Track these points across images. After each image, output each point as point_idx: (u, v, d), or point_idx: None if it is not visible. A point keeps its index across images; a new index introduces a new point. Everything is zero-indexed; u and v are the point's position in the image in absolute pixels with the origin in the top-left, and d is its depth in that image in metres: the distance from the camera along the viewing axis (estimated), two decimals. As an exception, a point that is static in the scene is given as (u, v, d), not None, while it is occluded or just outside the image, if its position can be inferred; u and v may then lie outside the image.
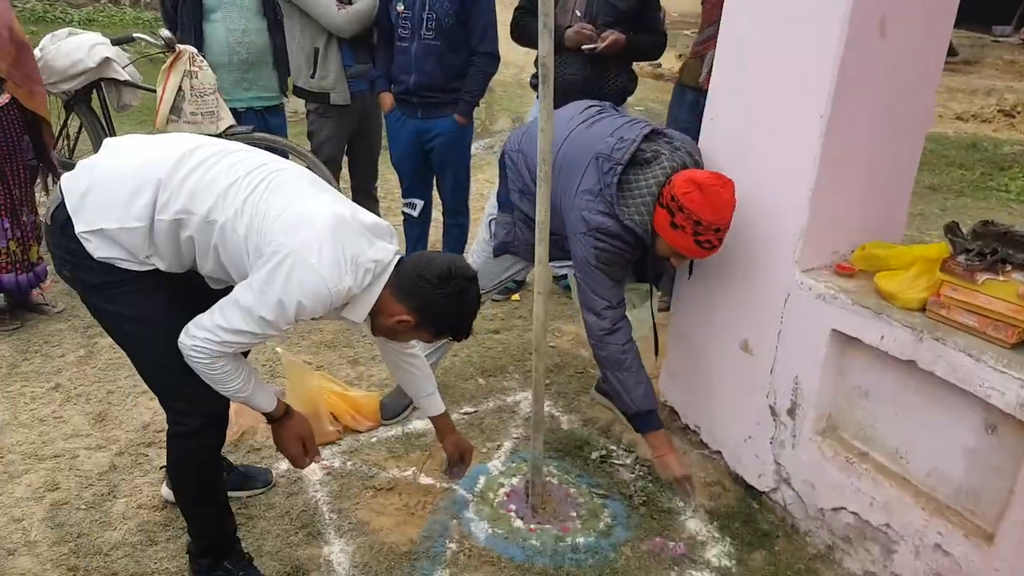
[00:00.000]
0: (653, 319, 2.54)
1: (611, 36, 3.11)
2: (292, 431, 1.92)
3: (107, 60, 3.56)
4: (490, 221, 2.69)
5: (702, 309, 2.56)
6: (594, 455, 2.61)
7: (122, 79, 3.68)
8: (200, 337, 1.65)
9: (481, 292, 2.60)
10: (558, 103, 3.14)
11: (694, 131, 2.51)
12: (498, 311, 3.62)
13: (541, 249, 2.07)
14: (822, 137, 2.00)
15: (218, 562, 1.95)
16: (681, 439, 2.69)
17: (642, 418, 2.37)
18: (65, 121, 3.90)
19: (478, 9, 3.20)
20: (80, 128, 3.96)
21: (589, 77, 3.20)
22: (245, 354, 2.14)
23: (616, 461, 2.59)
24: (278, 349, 2.95)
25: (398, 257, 1.80)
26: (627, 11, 3.21)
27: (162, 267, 1.73)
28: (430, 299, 1.76)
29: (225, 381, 1.72)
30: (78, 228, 1.66)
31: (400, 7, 3.18)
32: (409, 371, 2.15)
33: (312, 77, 3.48)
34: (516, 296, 3.79)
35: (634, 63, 3.44)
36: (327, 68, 3.45)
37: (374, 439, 2.64)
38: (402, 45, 3.23)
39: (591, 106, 2.50)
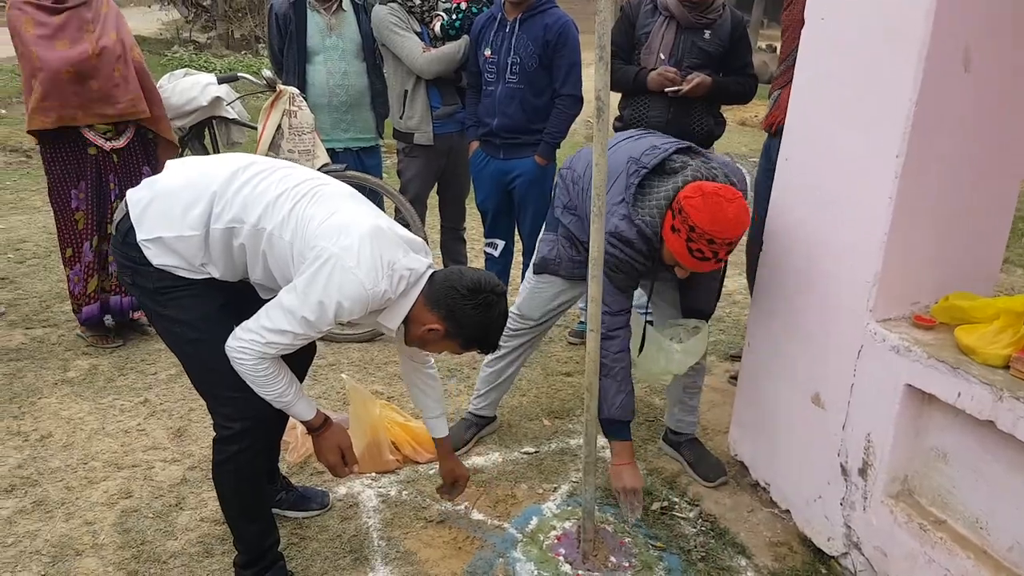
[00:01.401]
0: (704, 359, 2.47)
1: (696, 79, 3.07)
2: (331, 440, 2.00)
3: (218, 99, 3.85)
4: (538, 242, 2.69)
5: (773, 358, 2.44)
6: (655, 506, 2.51)
7: (231, 117, 3.97)
8: (246, 339, 1.76)
9: (532, 324, 2.71)
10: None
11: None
12: (573, 354, 3.58)
13: (595, 287, 2.04)
14: (898, 178, 1.88)
15: (260, 575, 1.99)
16: (751, 496, 2.55)
17: (614, 425, 2.35)
18: (180, 156, 4.23)
19: (563, 52, 3.25)
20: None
21: (672, 120, 3.16)
22: (301, 374, 2.24)
23: (678, 514, 2.48)
24: (343, 376, 3.04)
25: (432, 270, 1.92)
26: (715, 54, 3.16)
27: (216, 275, 1.85)
28: (459, 309, 1.85)
29: (268, 384, 1.81)
30: (139, 236, 1.80)
31: (487, 52, 3.28)
32: (423, 390, 2.26)
33: (401, 117, 3.63)
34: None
35: (723, 107, 3.38)
36: (414, 109, 3.58)
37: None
38: (488, 89, 3.32)
39: (648, 133, 2.48)
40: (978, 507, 1.81)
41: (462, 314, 1.86)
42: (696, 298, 2.47)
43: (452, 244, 4.08)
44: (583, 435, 2.18)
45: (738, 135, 9.51)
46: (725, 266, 2.41)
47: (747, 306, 4.10)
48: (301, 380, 2.27)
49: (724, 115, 3.41)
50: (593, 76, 1.97)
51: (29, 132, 3.15)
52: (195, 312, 1.85)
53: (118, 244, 1.88)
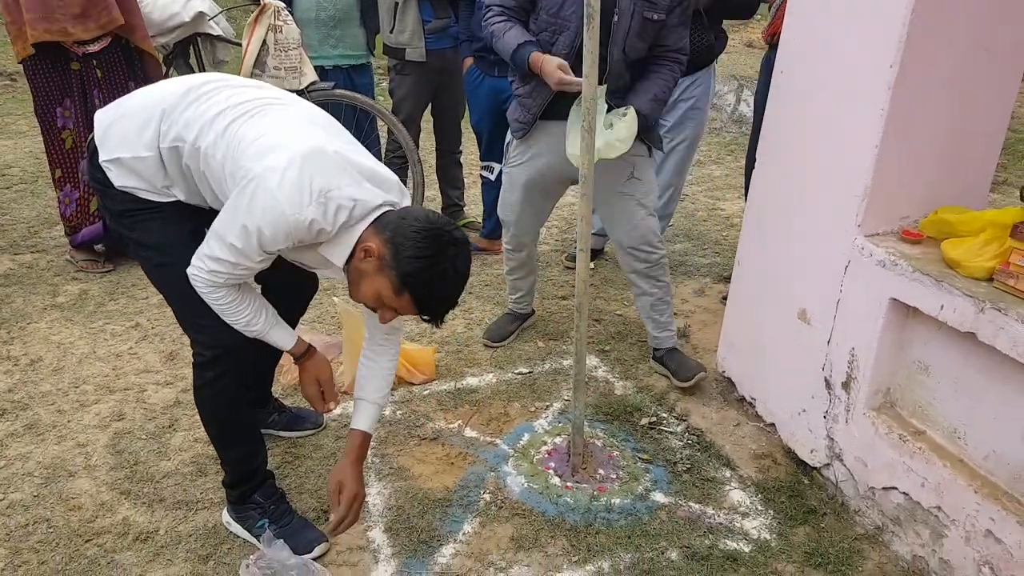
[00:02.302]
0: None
1: None
2: (311, 372, 1.92)
3: (201, 14, 3.70)
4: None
5: (762, 275, 2.44)
6: (644, 421, 2.55)
7: (215, 34, 3.84)
8: (195, 266, 1.69)
9: (513, 232, 2.76)
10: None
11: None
12: (569, 277, 3.58)
13: (584, 205, 2.02)
14: (890, 89, 1.83)
15: (248, 494, 2.01)
16: (738, 411, 2.60)
17: (518, 53, 2.37)
18: (166, 75, 4.12)
19: None
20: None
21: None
22: (296, 304, 2.20)
23: (665, 428, 2.52)
24: (335, 299, 3.04)
25: (387, 207, 1.67)
26: (717, -33, 3.04)
27: (182, 198, 1.78)
28: (403, 234, 1.58)
29: (230, 312, 1.74)
30: (101, 157, 1.75)
31: (482, -38, 3.15)
32: (371, 357, 1.96)
33: (391, 32, 3.50)
34: (591, 264, 3.74)
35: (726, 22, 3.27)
36: (405, 23, 3.45)
37: (426, 392, 2.69)
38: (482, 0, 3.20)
39: None
40: (957, 418, 1.84)
41: (403, 240, 1.58)
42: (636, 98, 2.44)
43: (449, 168, 3.98)
44: (574, 352, 2.19)
45: (745, 56, 9.27)
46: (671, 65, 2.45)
47: (743, 228, 4.10)
48: (299, 310, 2.24)
49: (727, 32, 3.30)
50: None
51: (20, 61, 3.06)
52: (162, 236, 1.79)
53: (87, 165, 1.83)
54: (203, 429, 2.36)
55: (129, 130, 1.73)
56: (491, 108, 3.38)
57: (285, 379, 2.69)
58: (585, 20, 1.90)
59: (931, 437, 1.90)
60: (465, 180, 4.13)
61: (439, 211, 4.14)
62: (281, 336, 1.86)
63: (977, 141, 2.05)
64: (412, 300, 1.64)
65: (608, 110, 2.39)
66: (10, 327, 2.99)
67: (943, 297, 1.74)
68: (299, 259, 1.76)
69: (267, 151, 1.58)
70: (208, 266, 1.66)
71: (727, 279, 3.50)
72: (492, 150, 3.53)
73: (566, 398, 2.67)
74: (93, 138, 1.79)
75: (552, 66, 2.30)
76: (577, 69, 2.19)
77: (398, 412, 2.57)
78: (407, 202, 1.74)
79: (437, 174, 4.03)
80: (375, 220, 1.64)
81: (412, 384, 2.72)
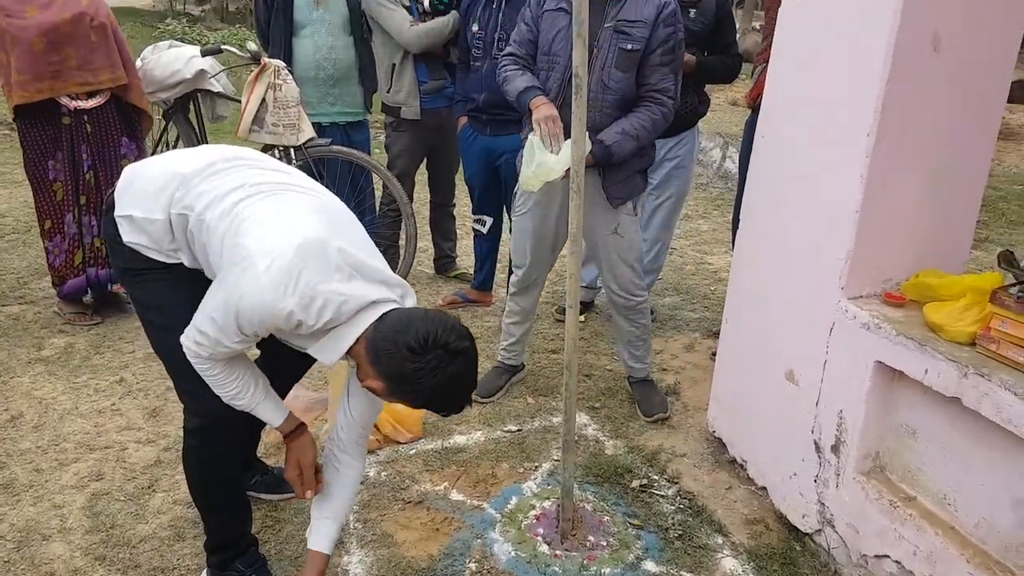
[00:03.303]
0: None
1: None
2: (293, 454, 1.85)
3: (202, 72, 3.78)
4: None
5: (749, 335, 2.44)
6: (635, 483, 2.51)
7: (215, 90, 3.91)
8: (186, 334, 1.67)
9: (526, 268, 2.82)
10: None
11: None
12: (559, 331, 3.57)
13: (573, 262, 2.03)
14: (868, 157, 1.87)
15: (229, 561, 1.97)
16: (729, 474, 2.56)
17: (521, 97, 2.51)
18: (164, 129, 4.18)
19: None
20: (178, 137, 4.24)
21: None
22: (291, 374, 2.17)
23: (657, 491, 2.48)
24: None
25: (388, 307, 1.60)
26: (699, 33, 3.14)
27: (186, 263, 1.77)
28: (400, 370, 1.52)
29: (218, 384, 1.71)
30: (116, 212, 1.77)
31: (475, 28, 3.24)
32: (336, 467, 1.89)
33: (388, 91, 3.59)
34: (583, 317, 3.74)
35: (707, 85, 3.36)
36: (401, 83, 3.55)
37: (412, 451, 2.65)
38: (476, 64, 3.29)
39: None
40: (946, 483, 1.82)
41: (403, 376, 1.52)
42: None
43: (442, 220, 4.06)
44: (563, 412, 2.17)
45: (729, 114, 9.47)
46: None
47: (732, 284, 4.12)
48: (293, 381, 2.22)
49: (709, 94, 3.40)
50: (573, 52, 1.95)
51: (14, 108, 3.10)
52: (163, 298, 1.79)
53: (104, 218, 1.85)
54: (183, 491, 2.34)
55: (147, 190, 1.75)
56: (484, 165, 3.45)
57: (269, 438, 2.65)
58: (573, 90, 1.94)
59: (922, 503, 1.87)
60: (458, 232, 4.16)
61: (432, 263, 4.20)
62: (270, 411, 1.81)
63: (956, 203, 2.09)
64: (417, 408, 1.62)
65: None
66: (-9, 381, 2.97)
67: (927, 361, 1.74)
68: (298, 344, 1.68)
69: (267, 235, 1.55)
70: (194, 337, 1.64)
71: (716, 334, 3.50)
72: (484, 204, 3.59)
73: (556, 458, 2.63)
74: (113, 191, 1.81)
75: (544, 113, 2.41)
76: (567, 104, 2.33)
77: (383, 474, 2.52)
78: (411, 301, 1.68)
79: (430, 226, 4.09)
80: (371, 334, 1.56)
81: (398, 443, 2.69)
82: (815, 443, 2.15)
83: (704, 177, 6.58)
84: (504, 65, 2.65)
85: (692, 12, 3.11)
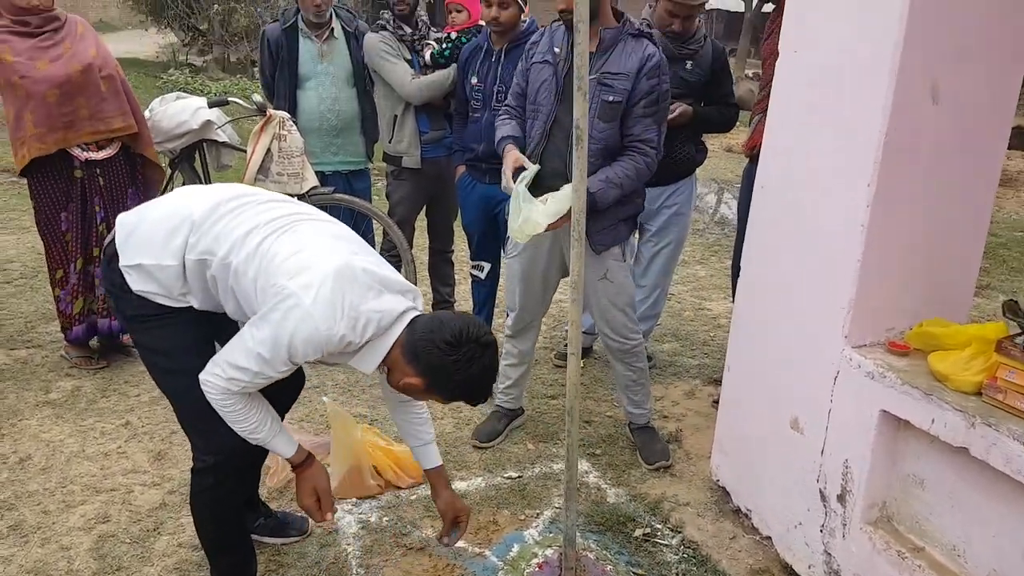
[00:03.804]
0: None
1: (678, 108, 3.12)
2: (308, 482, 1.92)
3: (208, 122, 3.87)
4: None
5: (752, 383, 2.45)
6: (637, 532, 2.50)
7: (221, 140, 3.99)
8: (211, 372, 1.72)
9: (519, 311, 2.85)
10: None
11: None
12: (559, 376, 3.58)
13: (574, 310, 2.06)
14: (869, 207, 1.91)
15: None
16: (733, 523, 2.55)
17: (498, 144, 2.67)
18: (170, 178, 4.24)
19: None
20: (184, 185, 4.31)
21: (655, 147, 3.21)
22: (286, 401, 2.22)
23: (660, 541, 2.47)
24: (325, 399, 3.03)
25: (414, 314, 1.79)
26: (696, 84, 3.23)
27: (196, 305, 1.82)
28: (439, 364, 1.71)
29: (238, 420, 1.76)
30: (122, 262, 1.79)
31: (474, 80, 3.33)
32: (409, 418, 2.11)
33: (390, 141, 3.67)
34: (580, 363, 3.75)
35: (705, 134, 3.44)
36: (403, 133, 3.63)
37: (414, 496, 2.64)
38: (474, 115, 3.36)
39: None
40: (955, 534, 1.81)
41: (441, 369, 1.71)
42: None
43: (440, 266, 4.10)
44: (565, 460, 2.17)
45: (724, 161, 9.61)
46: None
47: (732, 330, 4.14)
48: (288, 407, 2.26)
49: (706, 142, 3.47)
50: (575, 104, 2.01)
51: (25, 164, 3.12)
52: (173, 342, 1.83)
53: (104, 269, 1.88)
54: (188, 534, 2.34)
55: (154, 237, 1.78)
56: (482, 212, 3.51)
57: (271, 482, 2.64)
58: (574, 140, 2.00)
59: (930, 554, 1.87)
60: (456, 277, 4.20)
61: (431, 307, 4.23)
62: (283, 443, 1.87)
63: (958, 251, 2.12)
64: (449, 400, 1.83)
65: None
66: (1, 423, 2.96)
67: (933, 411, 1.75)
68: (335, 361, 1.83)
69: (301, 269, 1.66)
70: (228, 374, 1.69)
71: (717, 381, 3.51)
72: (482, 250, 3.63)
73: (557, 505, 2.62)
74: (113, 242, 1.83)
75: (508, 160, 2.56)
76: (550, 148, 2.58)
77: (384, 519, 2.51)
78: (420, 301, 1.86)
79: (429, 271, 4.13)
80: (404, 339, 1.74)
81: (399, 488, 2.68)
82: (821, 492, 2.15)
83: (700, 223, 6.65)
84: (498, 115, 2.80)
85: (689, 64, 3.20)
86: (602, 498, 2.68)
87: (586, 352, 3.81)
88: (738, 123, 3.60)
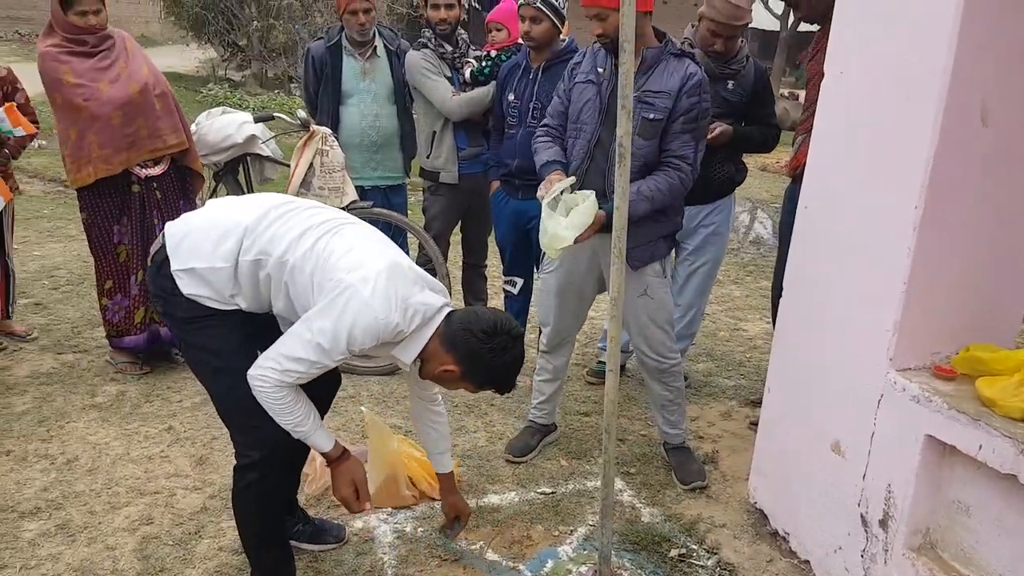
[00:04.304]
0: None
1: (719, 128, 3.13)
2: (347, 475, 2.01)
3: (253, 137, 3.96)
4: None
5: (793, 404, 2.43)
6: (673, 552, 2.48)
7: (265, 154, 4.08)
8: (265, 367, 1.81)
9: (551, 329, 2.89)
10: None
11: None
12: (591, 394, 3.58)
13: (614, 326, 2.07)
14: (916, 230, 1.90)
15: None
16: (770, 546, 2.52)
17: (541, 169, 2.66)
18: (214, 190, 4.34)
19: None
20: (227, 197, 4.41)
21: (695, 165, 3.22)
22: (321, 406, 2.27)
23: (696, 562, 2.45)
24: (363, 408, 3.06)
25: (448, 309, 1.97)
26: (737, 104, 3.23)
27: (243, 306, 1.93)
28: (474, 352, 1.90)
29: (285, 413, 1.85)
30: (173, 267, 1.89)
31: (511, 97, 3.37)
32: (431, 426, 2.30)
33: (428, 157, 3.73)
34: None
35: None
36: (441, 149, 3.68)
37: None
38: (510, 131, 3.41)
39: None
40: (1002, 563, 1.78)
41: (477, 357, 1.90)
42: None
43: (473, 280, 4.13)
44: (601, 477, 2.18)
45: (759, 180, 9.57)
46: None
47: (768, 351, 4.03)
48: (324, 412, 2.32)
49: (745, 161, 3.46)
50: (618, 122, 2.04)
51: (89, 183, 3.19)
52: (221, 342, 1.93)
53: (153, 274, 1.97)
54: (228, 538, 2.39)
55: (204, 243, 1.89)
56: (515, 227, 3.53)
57: (309, 489, 2.68)
58: (616, 158, 2.03)
59: (976, 583, 1.84)
60: (488, 291, 4.24)
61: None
62: (323, 438, 1.96)
63: (1005, 275, 2.09)
64: (489, 389, 2.03)
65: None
66: (50, 425, 3.05)
67: (981, 437, 1.73)
68: (380, 352, 1.97)
69: (356, 265, 1.82)
70: (284, 366, 1.79)
71: (754, 403, 3.49)
72: (515, 265, 3.66)
73: (591, 523, 2.62)
74: (163, 248, 1.93)
75: (548, 179, 2.58)
76: (592, 167, 2.60)
77: (419, 529, 2.53)
78: (448, 299, 2.04)
79: (462, 286, 4.16)
80: (442, 330, 1.92)
81: (434, 499, 2.69)
82: (862, 517, 2.13)
83: (735, 243, 6.62)
84: (538, 136, 2.82)
85: (730, 84, 3.21)
86: (637, 517, 2.67)
87: (619, 370, 3.80)
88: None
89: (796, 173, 3.12)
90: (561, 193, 2.46)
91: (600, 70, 2.61)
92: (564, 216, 2.43)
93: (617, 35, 2.13)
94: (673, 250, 3.39)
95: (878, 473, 2.07)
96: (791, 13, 18.88)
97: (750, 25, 3.27)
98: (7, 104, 3.42)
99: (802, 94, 16.52)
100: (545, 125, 2.81)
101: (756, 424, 3.22)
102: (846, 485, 2.18)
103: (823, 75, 2.28)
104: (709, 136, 3.10)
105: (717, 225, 3.39)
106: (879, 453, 2.07)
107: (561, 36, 3.26)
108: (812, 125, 2.41)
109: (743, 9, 3.11)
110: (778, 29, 19.27)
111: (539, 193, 2.56)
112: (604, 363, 3.66)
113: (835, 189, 2.23)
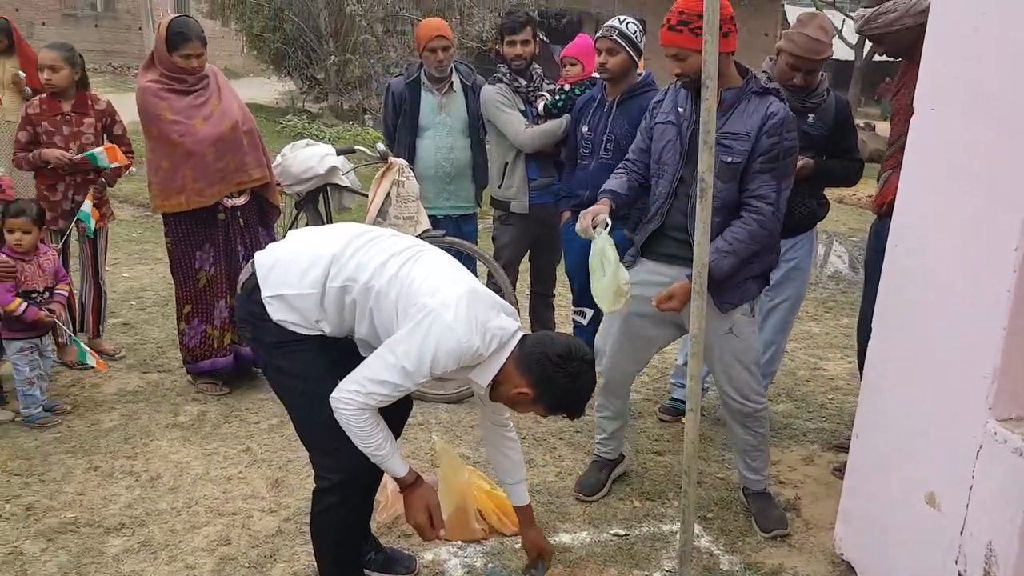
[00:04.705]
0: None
1: (799, 162, 3.05)
2: (421, 500, 2.03)
3: (334, 168, 4.09)
4: None
5: (883, 452, 2.32)
6: (754, 601, 2.39)
7: (344, 185, 4.21)
8: (349, 390, 1.87)
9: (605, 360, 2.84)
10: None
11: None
12: (664, 431, 3.50)
13: (695, 364, 2.03)
14: (1016, 272, 1.80)
15: None
16: (856, 600, 2.40)
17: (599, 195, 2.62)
18: (295, 219, 4.49)
19: None
20: (306, 225, 4.54)
21: (775, 200, 3.15)
22: (397, 431, 2.30)
23: (777, 613, 2.35)
24: (435, 437, 3.07)
25: (523, 333, 2.01)
26: (818, 138, 3.16)
27: (327, 331, 1.99)
28: (549, 376, 1.92)
29: (366, 436, 1.90)
30: (264, 294, 1.98)
31: (585, 128, 3.39)
32: (505, 453, 2.29)
33: (499, 187, 3.79)
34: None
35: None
36: (512, 179, 3.74)
37: (518, 544, 2.60)
38: (583, 163, 3.42)
39: None
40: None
41: (551, 381, 1.93)
42: None
43: (541, 310, 4.14)
44: (680, 522, 2.12)
45: (836, 212, 9.25)
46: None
47: (851, 392, 3.94)
48: (396, 438, 2.34)
49: (828, 199, 3.38)
50: (699, 159, 2.02)
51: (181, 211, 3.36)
52: (306, 365, 2.00)
53: (243, 301, 2.07)
54: (302, 562, 2.42)
55: (293, 271, 1.97)
56: (585, 257, 3.48)
57: (381, 517, 2.69)
58: (698, 193, 2.01)
59: (1090, 655, 1.70)
60: (556, 321, 4.22)
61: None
62: (398, 463, 2.00)
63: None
64: (560, 414, 2.04)
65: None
66: (135, 443, 3.17)
67: (1096, 496, 1.62)
68: (458, 376, 2.02)
69: (438, 290, 1.89)
70: (368, 388, 1.85)
71: (838, 448, 3.35)
72: (585, 296, 3.61)
73: (667, 568, 2.54)
74: (253, 277, 2.02)
75: (595, 207, 2.58)
76: (675, 205, 2.57)
77: (489, 564, 2.51)
78: (520, 323, 2.08)
79: (530, 315, 4.17)
80: (517, 353, 1.95)
81: (503, 535, 2.67)
82: (959, 575, 2.01)
83: (812, 277, 6.42)
84: (617, 168, 2.83)
85: (811, 117, 3.14)
86: (715, 564, 2.58)
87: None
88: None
89: (882, 210, 3.03)
90: (595, 229, 2.48)
91: (680, 110, 2.58)
92: (603, 274, 2.44)
93: (697, 75, 2.13)
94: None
95: (978, 529, 1.95)
96: (865, 43, 18.51)
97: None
98: (107, 145, 3.65)
99: (879, 124, 16.11)
100: (626, 160, 2.80)
101: (840, 470, 3.10)
102: (942, 540, 2.06)
103: (911, 110, 2.22)
104: (790, 171, 3.04)
105: (798, 260, 3.30)
106: (978, 508, 1.95)
107: (637, 70, 3.26)
108: (899, 161, 2.34)
109: (823, 43, 3.04)
110: (853, 59, 18.88)
111: (578, 226, 2.57)
112: (678, 400, 3.61)
113: (928, 228, 2.14)
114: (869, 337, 2.41)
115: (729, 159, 2.46)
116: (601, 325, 2.91)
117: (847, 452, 2.68)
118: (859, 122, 15.45)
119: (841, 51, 18.95)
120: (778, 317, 3.36)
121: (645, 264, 2.71)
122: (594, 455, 3.06)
